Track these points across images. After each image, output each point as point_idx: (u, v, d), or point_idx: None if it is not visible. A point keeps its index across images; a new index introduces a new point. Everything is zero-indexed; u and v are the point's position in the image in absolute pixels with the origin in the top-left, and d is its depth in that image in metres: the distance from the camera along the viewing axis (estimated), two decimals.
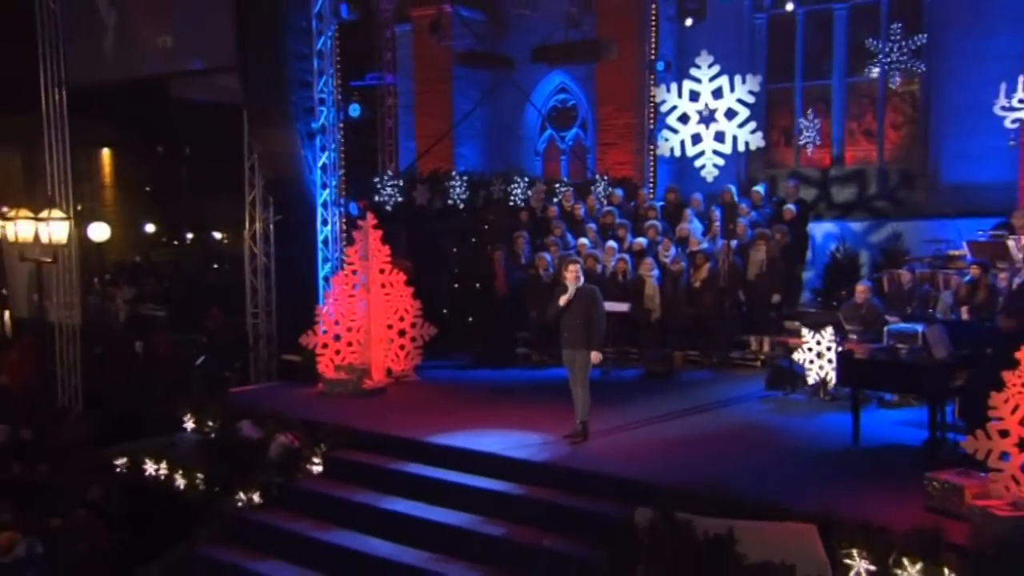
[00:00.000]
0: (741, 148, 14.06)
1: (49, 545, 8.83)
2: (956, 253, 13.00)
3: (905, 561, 6.67)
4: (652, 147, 16.98)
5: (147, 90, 18.44)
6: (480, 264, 14.54)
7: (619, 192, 15.87)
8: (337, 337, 12.62)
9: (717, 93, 13.93)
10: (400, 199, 14.73)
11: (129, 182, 36.44)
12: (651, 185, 17.25)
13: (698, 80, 14.05)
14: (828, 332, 11.13)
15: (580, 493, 8.51)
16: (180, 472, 10.28)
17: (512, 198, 15.76)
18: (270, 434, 10.30)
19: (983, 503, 6.97)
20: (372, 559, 8.50)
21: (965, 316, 11.05)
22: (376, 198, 14.39)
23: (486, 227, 15.11)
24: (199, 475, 10.13)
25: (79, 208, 16.11)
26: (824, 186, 17.16)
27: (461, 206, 15.33)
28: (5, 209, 29.66)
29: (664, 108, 14.36)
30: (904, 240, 14.98)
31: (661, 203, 15.50)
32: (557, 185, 16.49)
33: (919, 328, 9.54)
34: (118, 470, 10.77)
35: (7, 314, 18.73)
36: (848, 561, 6.86)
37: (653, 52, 17.32)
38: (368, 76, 19.32)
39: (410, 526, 8.74)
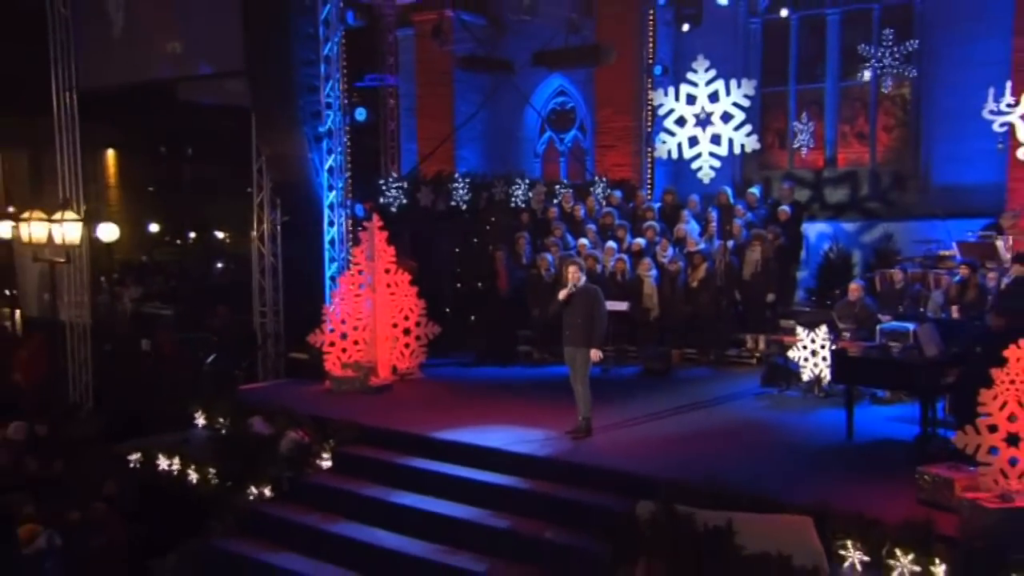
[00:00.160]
0: (737, 150, 14.15)
1: (67, 537, 8.94)
2: (946, 253, 13.06)
3: (898, 552, 6.76)
4: (650, 149, 17.08)
5: (150, 92, 18.50)
6: (482, 264, 14.58)
7: (618, 193, 15.95)
8: (344, 336, 12.71)
9: (713, 97, 14.01)
10: (404, 201, 14.80)
11: (132, 182, 36.48)
12: (649, 187, 17.35)
13: (695, 84, 14.14)
14: (822, 330, 11.17)
15: (582, 487, 8.58)
16: (193, 467, 10.34)
17: (513, 200, 15.82)
18: (280, 430, 10.38)
19: (972, 496, 7.03)
20: (381, 551, 8.58)
21: (955, 315, 11.13)
22: (381, 200, 14.45)
23: (488, 228, 15.15)
24: (211, 470, 10.19)
25: (85, 208, 16.13)
26: (817, 187, 17.21)
27: (463, 207, 15.38)
28: (12, 209, 29.77)
29: (662, 111, 14.46)
30: (896, 240, 15.04)
31: (659, 204, 15.57)
32: (557, 187, 16.55)
33: (911, 327, 9.62)
34: (132, 465, 10.85)
35: (18, 313, 18.83)
36: (843, 552, 6.96)
37: (651, 56, 17.46)
38: (368, 77, 19.37)
39: (417, 519, 8.82)
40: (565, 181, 18.05)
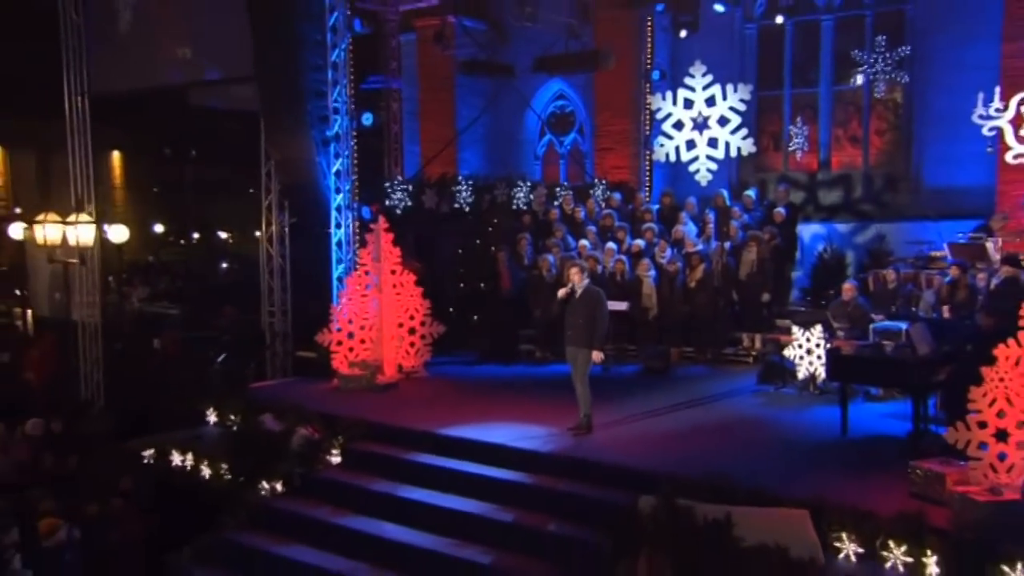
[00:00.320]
0: (733, 153, 14.31)
1: (86, 531, 9.06)
2: (937, 254, 13.13)
3: (891, 544, 6.89)
4: (648, 152, 17.18)
5: (156, 96, 18.56)
6: (485, 265, 14.62)
7: (617, 196, 16.01)
8: (351, 335, 12.79)
9: (710, 101, 14.16)
10: (409, 203, 14.89)
11: (137, 183, 36.53)
12: (647, 189, 17.44)
13: (692, 88, 14.29)
14: (817, 329, 11.25)
15: (584, 482, 8.67)
16: (206, 463, 10.44)
17: (515, 202, 15.90)
18: (291, 427, 10.47)
19: (963, 489, 7.15)
20: (389, 543, 8.68)
21: (946, 314, 11.21)
22: (387, 202, 14.54)
23: (490, 229, 15.20)
24: (224, 466, 10.29)
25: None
26: (812, 189, 17.30)
27: (467, 209, 15.46)
28: (19, 210, 29.79)
29: (660, 115, 14.60)
30: (888, 241, 15.12)
31: (657, 206, 15.64)
32: (558, 189, 16.62)
33: (903, 326, 9.67)
34: (146, 461, 10.94)
35: (29, 313, 18.93)
36: (838, 544, 7.08)
37: (649, 62, 17.56)
38: (370, 79, 19.46)
39: (425, 513, 8.91)
40: (565, 183, 18.10)
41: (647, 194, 17.04)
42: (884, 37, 16.44)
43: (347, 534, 8.99)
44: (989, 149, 13.41)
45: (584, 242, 14.24)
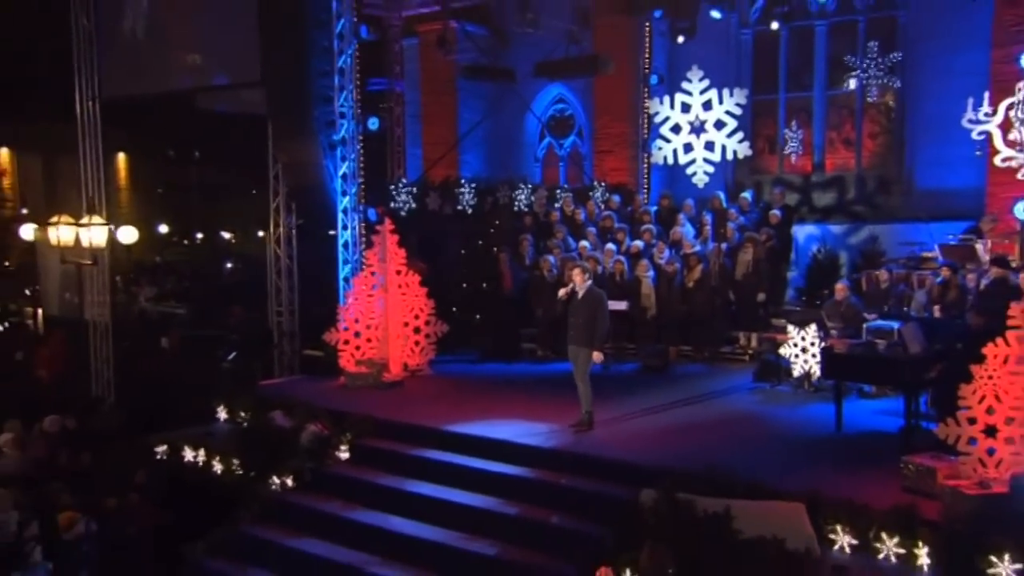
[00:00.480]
0: (729, 156, 14.46)
1: (103, 524, 9.19)
2: (929, 255, 13.17)
3: (884, 535, 7.02)
4: (646, 155, 17.28)
5: (163, 99, 18.64)
6: (487, 265, 14.71)
7: (616, 198, 16.11)
8: (357, 334, 12.89)
9: (707, 105, 14.31)
10: (414, 205, 15.00)
11: (142, 184, 36.61)
12: (645, 191, 17.54)
13: (689, 93, 14.43)
14: (812, 329, 11.31)
15: (586, 476, 8.78)
16: (217, 458, 10.53)
17: (516, 203, 16.00)
18: (300, 423, 10.58)
19: (953, 483, 7.27)
20: (398, 536, 8.81)
21: (937, 314, 11.27)
22: (392, 204, 14.65)
23: (493, 231, 15.31)
24: (235, 461, 10.39)
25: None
26: (806, 191, 17.36)
27: (469, 211, 15.56)
28: (26, 211, 29.83)
29: (657, 119, 14.72)
30: (881, 242, 15.19)
31: (655, 208, 15.74)
32: (558, 191, 16.72)
33: (895, 325, 9.79)
34: (159, 457, 11.05)
35: (39, 312, 19.01)
36: (833, 536, 7.20)
37: (647, 67, 17.63)
38: (372, 81, 19.54)
39: (432, 507, 9.02)
40: (565, 185, 18.20)
41: (645, 196, 17.12)
42: (876, 43, 16.54)
43: (357, 527, 9.11)
44: (978, 153, 13.50)
45: (584, 243, 14.35)
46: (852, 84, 17.04)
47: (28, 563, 8.61)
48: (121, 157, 36.20)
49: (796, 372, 11.57)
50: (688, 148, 14.35)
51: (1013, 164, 13.03)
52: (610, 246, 14.21)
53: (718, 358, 13.66)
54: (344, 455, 10.26)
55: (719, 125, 14.16)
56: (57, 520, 8.98)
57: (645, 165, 17.74)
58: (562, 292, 10.07)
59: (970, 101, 13.19)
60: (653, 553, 7.13)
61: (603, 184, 17.08)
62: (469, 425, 10.17)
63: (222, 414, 11.84)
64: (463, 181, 15.97)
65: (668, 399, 11.26)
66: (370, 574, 8.51)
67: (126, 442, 11.53)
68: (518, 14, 16.20)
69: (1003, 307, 7.45)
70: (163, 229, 37.62)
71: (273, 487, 9.99)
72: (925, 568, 6.86)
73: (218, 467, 10.52)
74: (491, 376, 13.18)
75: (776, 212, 14.58)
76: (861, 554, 7.10)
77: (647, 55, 17.68)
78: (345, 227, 13.61)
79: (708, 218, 14.59)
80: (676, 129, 14.45)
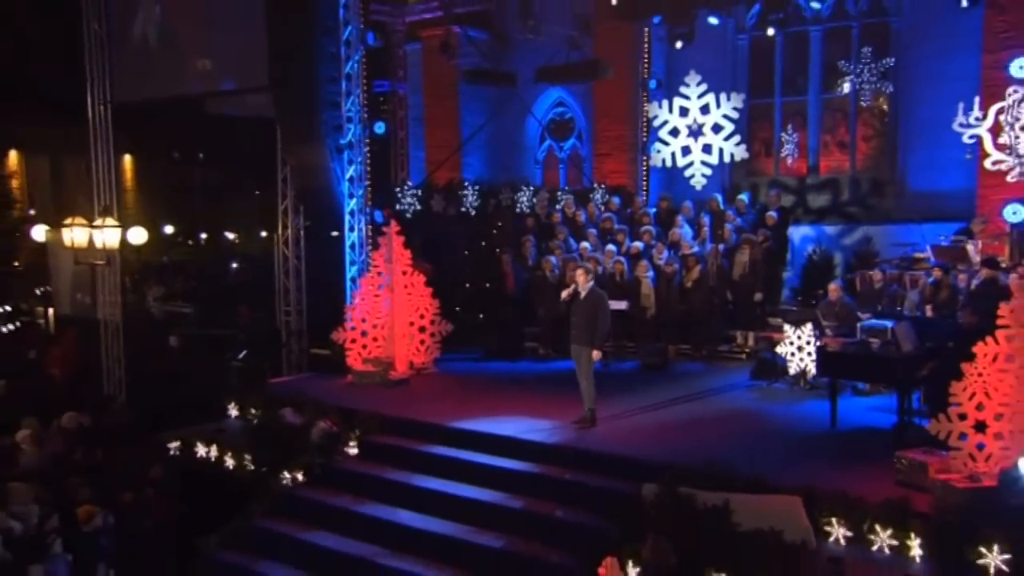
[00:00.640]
0: (727, 159, 14.50)
1: (120, 517, 9.34)
2: (921, 256, 13.20)
3: (878, 527, 7.15)
4: (645, 158, 17.39)
5: (172, 103, 18.72)
6: (490, 266, 14.80)
7: (616, 200, 16.22)
8: (364, 333, 13.01)
9: (704, 109, 14.37)
10: (419, 207, 15.11)
11: (147, 186, 36.64)
12: (644, 193, 17.64)
13: (687, 97, 14.51)
14: (807, 328, 11.42)
15: (588, 471, 8.90)
16: (229, 454, 10.65)
17: (519, 205, 16.12)
18: (310, 420, 10.70)
19: (945, 477, 7.39)
20: (407, 529, 8.94)
21: (930, 313, 11.35)
22: (397, 206, 14.75)
23: (495, 232, 15.43)
24: (247, 457, 10.51)
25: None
26: (801, 193, 17.40)
27: (473, 213, 15.68)
28: (33, 212, 29.89)
29: (656, 123, 14.79)
30: (874, 243, 15.26)
31: (654, 210, 15.85)
32: (559, 193, 16.81)
33: (888, 324, 9.82)
34: (172, 453, 11.17)
35: (51, 311, 19.14)
36: (828, 528, 7.33)
37: (646, 71, 17.73)
38: (375, 83, 19.61)
39: (439, 501, 9.15)
40: (566, 187, 18.29)
41: (644, 198, 17.21)
42: (870, 48, 16.61)
43: (366, 521, 9.24)
44: (968, 155, 13.60)
45: (585, 244, 14.45)
46: (846, 88, 17.10)
47: (49, 555, 8.76)
48: (127, 159, 36.23)
49: (792, 370, 11.67)
50: (686, 151, 14.42)
51: (1003, 167, 13.13)
52: (610, 247, 14.31)
53: (716, 356, 13.76)
54: (353, 451, 10.39)
55: (716, 128, 14.23)
56: (76, 514, 9.12)
57: (644, 168, 17.84)
58: (565, 293, 10.20)
59: (961, 106, 13.28)
60: (655, 545, 7.27)
61: (603, 186, 17.18)
62: (474, 422, 10.27)
63: (233, 411, 11.95)
64: (466, 183, 16.07)
65: (668, 396, 11.36)
66: (379, 566, 8.64)
67: (138, 439, 11.65)
68: (520, 20, 16.34)
69: (993, 307, 7.56)
70: (168, 230, 37.62)
71: (284, 482, 10.11)
72: (917, 559, 6.98)
73: (230, 463, 10.64)
74: (495, 374, 13.28)
75: (772, 214, 14.70)
76: (856, 546, 7.21)
77: (646, 60, 17.77)
78: (352, 229, 13.72)
79: (706, 219, 14.69)
80: (674, 132, 14.53)
